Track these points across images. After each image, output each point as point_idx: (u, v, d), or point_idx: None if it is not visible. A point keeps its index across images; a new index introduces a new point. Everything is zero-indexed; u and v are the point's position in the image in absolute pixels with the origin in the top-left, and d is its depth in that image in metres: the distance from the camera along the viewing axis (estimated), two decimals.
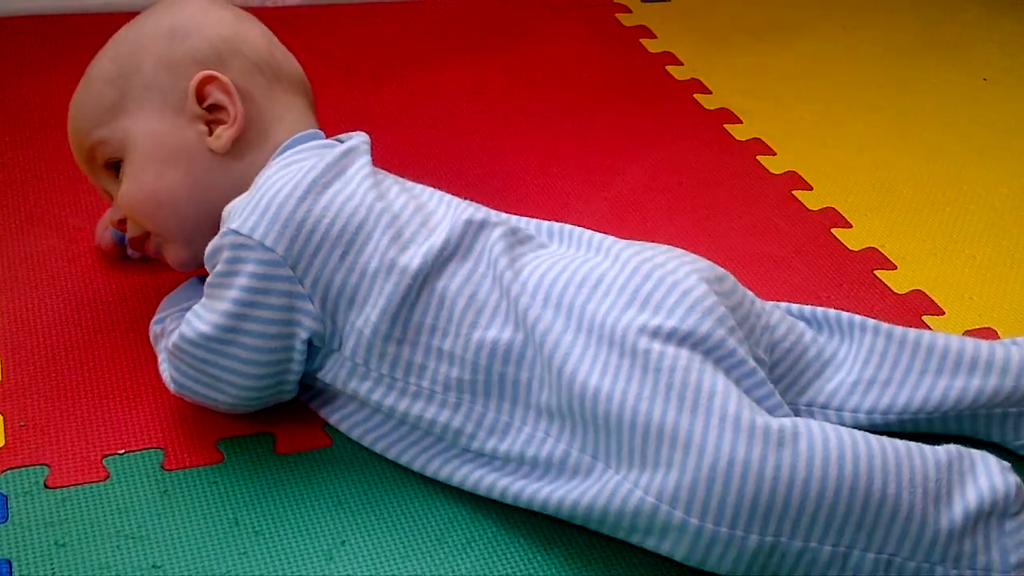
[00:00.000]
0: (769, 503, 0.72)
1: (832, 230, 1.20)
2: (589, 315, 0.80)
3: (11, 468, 0.86)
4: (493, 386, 0.82)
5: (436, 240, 0.85)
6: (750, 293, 0.89)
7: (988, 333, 1.06)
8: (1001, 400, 0.86)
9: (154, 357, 0.95)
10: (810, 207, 1.23)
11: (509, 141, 1.32)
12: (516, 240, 0.87)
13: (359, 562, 0.80)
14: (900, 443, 0.76)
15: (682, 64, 1.51)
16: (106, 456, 0.87)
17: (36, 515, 0.82)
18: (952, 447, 0.78)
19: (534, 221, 0.92)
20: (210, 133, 0.91)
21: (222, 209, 0.87)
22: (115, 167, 0.95)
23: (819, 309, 0.93)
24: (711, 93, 1.45)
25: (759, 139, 1.35)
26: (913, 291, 1.12)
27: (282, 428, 0.91)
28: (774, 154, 1.33)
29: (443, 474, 0.85)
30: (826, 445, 0.73)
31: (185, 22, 0.93)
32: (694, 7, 1.69)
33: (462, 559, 0.81)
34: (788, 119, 1.41)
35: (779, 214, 1.22)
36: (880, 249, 1.17)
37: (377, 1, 1.61)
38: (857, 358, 0.89)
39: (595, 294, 0.81)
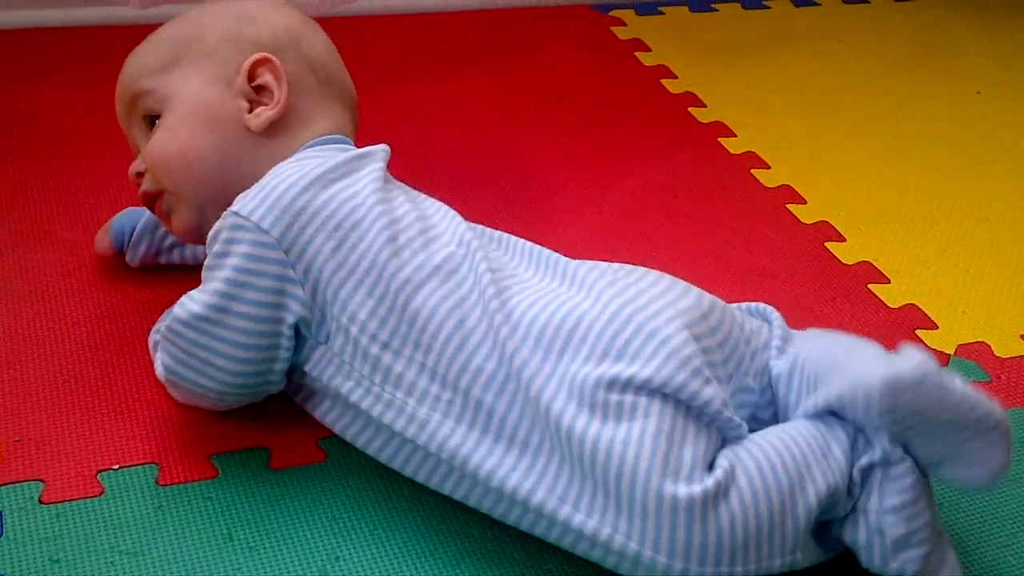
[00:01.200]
0: (713, 551, 0.76)
1: (826, 244, 1.20)
2: (567, 364, 0.80)
3: (6, 484, 0.86)
4: (468, 411, 0.82)
5: (433, 257, 0.85)
6: (738, 317, 0.87)
7: (981, 347, 1.07)
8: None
9: (149, 371, 0.96)
10: (804, 221, 1.24)
11: (503, 154, 1.32)
12: (504, 275, 0.87)
13: None
14: (808, 434, 0.80)
15: (676, 77, 1.52)
16: (101, 471, 0.87)
17: (31, 531, 0.82)
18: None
19: (520, 243, 0.92)
20: (250, 111, 0.94)
21: (237, 187, 0.89)
22: (151, 123, 0.97)
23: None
24: (705, 107, 1.45)
25: (753, 152, 1.36)
26: (906, 305, 1.12)
27: (276, 443, 0.91)
28: (768, 167, 1.33)
29: (421, 478, 0.85)
30: (752, 486, 0.77)
31: (256, 11, 0.98)
32: (688, 20, 1.69)
33: (455, 575, 0.81)
34: (782, 132, 1.41)
35: (773, 228, 1.22)
36: (874, 263, 1.18)
37: (374, 15, 1.61)
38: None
39: (573, 338, 0.81)
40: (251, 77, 0.94)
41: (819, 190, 1.29)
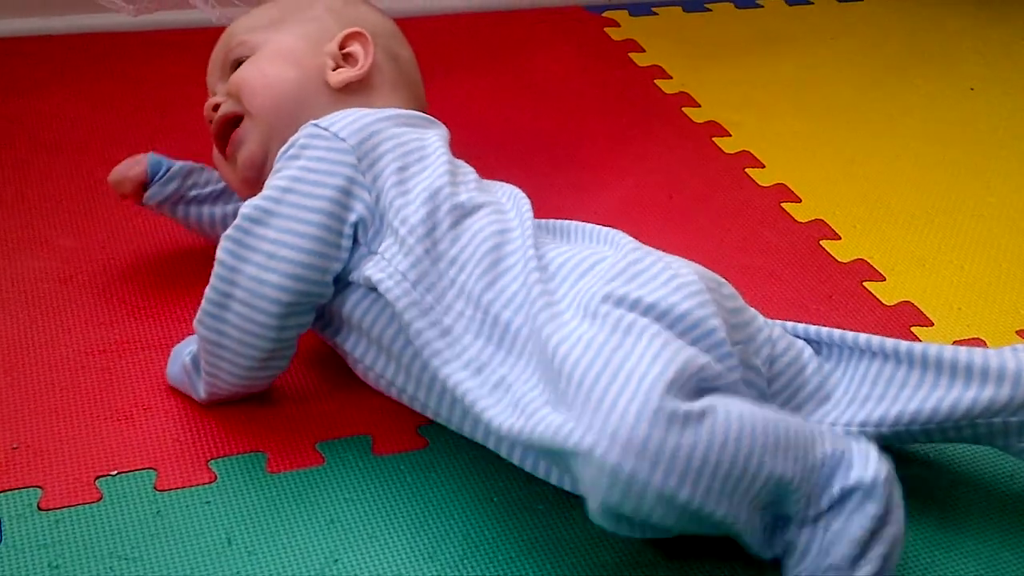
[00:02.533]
0: (667, 461, 0.73)
1: (821, 242, 1.20)
2: (580, 286, 0.84)
3: (4, 491, 0.86)
4: (487, 326, 0.85)
5: (487, 197, 0.92)
6: (752, 308, 0.89)
7: (976, 343, 1.07)
8: (997, 410, 0.85)
9: (147, 377, 0.96)
10: (799, 219, 1.24)
11: (497, 156, 1.32)
12: (545, 240, 0.92)
13: None
14: (798, 426, 0.79)
15: (671, 78, 1.52)
16: (99, 477, 0.87)
17: (30, 537, 0.82)
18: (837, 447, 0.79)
19: (560, 222, 0.97)
20: (334, 70, 1.01)
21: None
22: (238, 67, 1.02)
23: (813, 328, 0.93)
24: (700, 106, 1.45)
25: (748, 152, 1.36)
26: (902, 302, 1.12)
27: (274, 447, 0.91)
28: (763, 167, 1.33)
29: (420, 400, 0.89)
30: (731, 421, 0.75)
31: (363, 5, 1.09)
32: (682, 21, 1.70)
33: None
34: (776, 132, 1.41)
35: (768, 227, 1.23)
36: (869, 261, 1.18)
37: None
38: (854, 377, 0.89)
39: (591, 270, 0.85)
40: (342, 45, 1.02)
41: (814, 188, 1.30)
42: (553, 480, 0.86)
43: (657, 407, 0.73)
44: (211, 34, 1.50)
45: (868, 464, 0.78)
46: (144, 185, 1.08)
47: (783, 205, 1.26)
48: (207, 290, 0.90)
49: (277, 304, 0.89)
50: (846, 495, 0.77)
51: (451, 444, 0.92)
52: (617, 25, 1.66)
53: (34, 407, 0.93)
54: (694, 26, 1.68)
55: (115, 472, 0.88)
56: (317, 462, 0.90)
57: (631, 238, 0.91)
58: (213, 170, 1.08)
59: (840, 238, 1.21)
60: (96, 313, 1.04)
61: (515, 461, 0.87)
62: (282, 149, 0.93)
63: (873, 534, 0.77)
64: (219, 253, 0.90)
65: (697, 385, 0.77)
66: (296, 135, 0.93)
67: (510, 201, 0.93)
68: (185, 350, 0.95)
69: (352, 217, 0.90)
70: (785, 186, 1.30)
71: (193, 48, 1.50)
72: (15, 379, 0.96)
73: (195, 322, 0.91)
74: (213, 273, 0.89)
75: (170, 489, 0.87)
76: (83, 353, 0.99)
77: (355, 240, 0.91)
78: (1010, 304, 1.13)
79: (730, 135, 1.39)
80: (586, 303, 0.82)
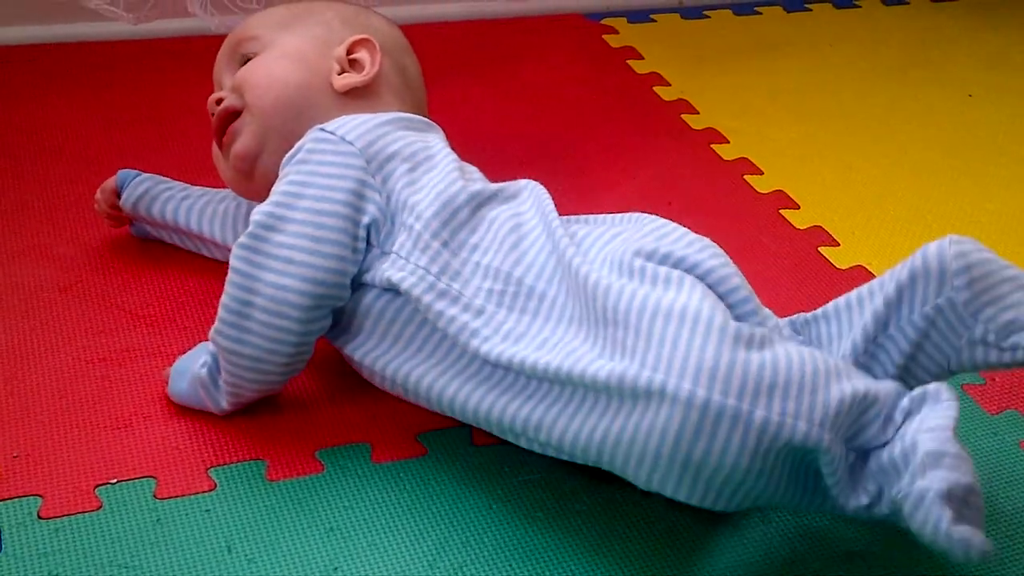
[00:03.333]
0: (764, 385, 0.75)
1: (820, 248, 1.20)
2: (610, 249, 0.86)
3: (4, 499, 0.86)
4: (521, 297, 0.87)
5: (504, 186, 0.95)
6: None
7: None
8: (901, 303, 0.85)
9: (146, 386, 0.96)
10: (797, 226, 1.24)
11: (496, 163, 1.32)
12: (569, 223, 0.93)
13: None
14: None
15: (669, 84, 1.52)
16: (99, 486, 0.87)
17: (30, 546, 0.82)
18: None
19: (575, 216, 0.97)
20: (339, 74, 1.02)
21: (303, 130, 0.95)
22: (246, 63, 1.04)
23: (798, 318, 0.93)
24: (698, 113, 1.46)
25: (746, 159, 1.36)
26: None
27: (273, 455, 0.91)
28: (761, 173, 1.34)
29: (449, 394, 0.87)
30: (787, 352, 0.77)
31: (375, 16, 1.10)
32: (681, 27, 1.70)
33: None
34: (775, 138, 1.41)
35: (767, 233, 1.23)
36: (867, 267, 1.18)
37: None
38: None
39: (617, 237, 0.88)
40: (350, 51, 1.03)
41: (812, 195, 1.30)
42: (579, 456, 0.83)
43: (722, 329, 0.76)
44: (210, 42, 1.50)
45: (926, 386, 0.78)
46: (117, 193, 1.11)
47: (782, 212, 1.27)
48: (224, 300, 0.89)
49: (299, 309, 0.88)
50: (916, 401, 0.77)
51: (450, 452, 0.92)
52: (616, 32, 1.66)
53: (34, 416, 0.93)
54: (692, 33, 1.68)
55: (115, 480, 0.88)
56: (317, 470, 0.90)
57: (652, 215, 0.92)
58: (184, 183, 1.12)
59: (839, 244, 1.21)
60: (96, 321, 1.04)
61: (537, 447, 0.85)
62: (288, 154, 0.93)
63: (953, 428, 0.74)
64: (233, 262, 0.89)
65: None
66: (302, 140, 0.94)
67: (527, 190, 0.95)
68: (194, 366, 0.94)
69: (365, 219, 0.90)
70: (784, 193, 1.30)
71: (192, 56, 1.51)
72: (15, 388, 0.96)
73: (213, 333, 0.90)
74: (228, 282, 0.89)
75: (170, 497, 0.87)
76: (83, 361, 0.99)
77: (367, 242, 0.91)
78: None
79: (728, 142, 1.40)
80: (619, 260, 0.84)
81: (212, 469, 0.89)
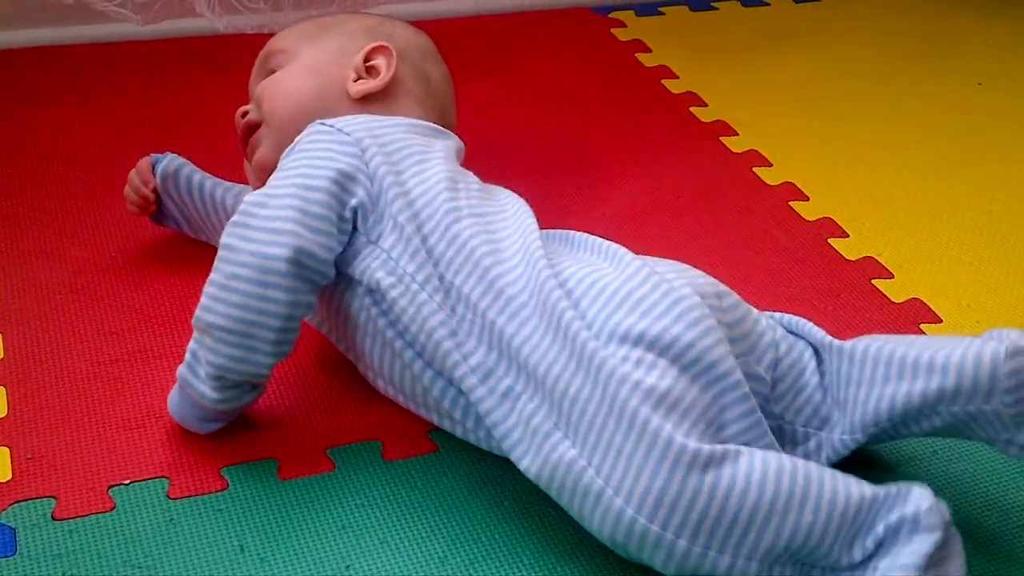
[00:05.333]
0: (696, 519, 0.75)
1: (829, 240, 1.20)
2: (591, 312, 0.84)
3: (19, 501, 0.86)
4: (493, 334, 0.86)
5: (485, 207, 0.93)
6: (754, 311, 0.89)
7: None
8: (949, 399, 0.84)
9: (159, 386, 0.97)
10: (807, 217, 1.24)
11: (506, 157, 1.33)
12: (552, 250, 0.92)
13: None
14: (829, 477, 0.77)
15: (677, 77, 1.52)
16: (112, 487, 0.88)
17: (44, 547, 0.83)
18: (891, 487, 0.78)
19: (560, 232, 0.96)
20: (355, 81, 1.05)
21: None
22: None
23: (806, 326, 0.93)
24: (707, 106, 1.45)
25: (755, 151, 1.36)
26: (911, 300, 1.12)
27: (285, 454, 0.91)
28: (770, 165, 1.33)
29: (447, 367, 0.88)
30: (749, 474, 0.76)
31: (400, 24, 1.13)
32: (689, 20, 1.70)
33: None
34: (784, 130, 1.41)
35: (776, 225, 1.23)
36: (877, 258, 1.18)
37: None
38: (829, 381, 0.90)
39: (600, 296, 0.84)
40: (367, 58, 1.05)
41: (821, 187, 1.30)
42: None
43: (678, 453, 0.76)
44: (219, 42, 1.51)
45: (909, 499, 0.76)
46: (152, 169, 1.13)
47: (791, 204, 1.26)
48: (212, 277, 0.89)
49: (285, 277, 0.88)
50: (891, 531, 0.76)
51: (461, 449, 0.92)
52: (624, 25, 1.66)
53: (47, 418, 0.94)
54: (701, 25, 1.68)
55: (128, 481, 0.88)
56: (328, 468, 0.90)
57: (631, 253, 0.89)
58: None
59: (848, 236, 1.21)
60: (108, 323, 1.05)
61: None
62: (289, 148, 0.96)
63: (927, 567, 0.74)
64: (223, 239, 0.90)
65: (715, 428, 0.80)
66: (302, 134, 0.96)
67: (512, 211, 0.94)
68: (176, 388, 0.93)
69: (352, 201, 0.91)
70: (793, 184, 1.30)
71: (201, 57, 1.51)
72: (28, 390, 0.97)
73: (198, 313, 0.89)
74: (217, 259, 0.89)
75: (183, 497, 0.87)
76: (95, 363, 1.00)
77: (354, 227, 0.92)
78: (1019, 300, 1.13)
79: (737, 134, 1.39)
80: (597, 332, 0.82)
81: (225, 468, 0.90)
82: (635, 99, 1.47)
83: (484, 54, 1.57)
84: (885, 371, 0.86)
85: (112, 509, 0.86)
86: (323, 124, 0.95)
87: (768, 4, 1.75)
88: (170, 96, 1.43)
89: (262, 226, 0.89)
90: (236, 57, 1.50)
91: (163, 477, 0.89)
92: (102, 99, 1.41)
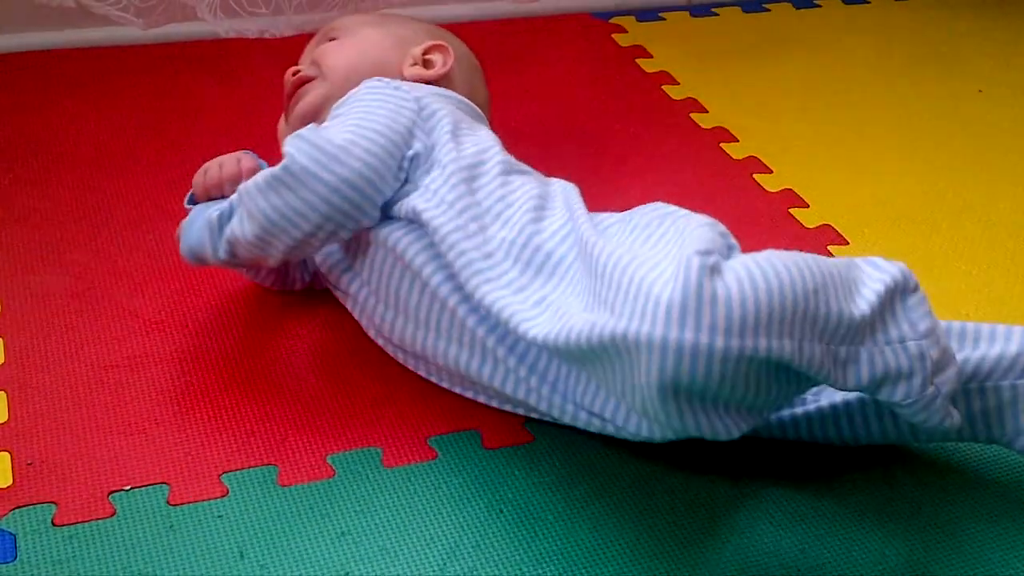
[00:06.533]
0: (739, 314, 0.77)
1: (829, 247, 1.20)
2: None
3: (19, 507, 0.87)
4: (527, 251, 0.91)
5: (538, 175, 1.00)
6: None
7: None
8: (1007, 366, 0.88)
9: (159, 392, 0.97)
10: (807, 225, 1.24)
11: None
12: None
13: None
14: (818, 258, 0.83)
15: (678, 83, 1.52)
16: (112, 492, 0.88)
17: (44, 553, 0.83)
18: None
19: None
20: (411, 66, 1.11)
21: None
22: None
23: None
24: (707, 112, 1.46)
25: (755, 157, 1.36)
26: None
27: (285, 460, 0.92)
28: (771, 172, 1.34)
29: (472, 286, 0.90)
30: (764, 266, 0.79)
31: (455, 37, 1.19)
32: (689, 26, 1.70)
33: None
34: (784, 136, 1.41)
35: (776, 233, 1.23)
36: None
37: None
38: None
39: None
40: (426, 51, 1.11)
41: (822, 194, 1.30)
42: (581, 423, 0.91)
43: (688, 262, 0.77)
44: (220, 46, 1.51)
45: (882, 266, 0.84)
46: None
47: (791, 210, 1.27)
48: (271, 169, 0.94)
49: (334, 193, 0.93)
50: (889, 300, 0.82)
51: (460, 456, 0.93)
52: (624, 31, 1.66)
53: (48, 423, 0.94)
54: (701, 31, 1.68)
55: (128, 487, 0.89)
56: (328, 475, 0.91)
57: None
58: None
59: (849, 243, 1.21)
60: (109, 328, 1.05)
61: (544, 406, 0.91)
62: (341, 100, 1.01)
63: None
64: (289, 143, 0.94)
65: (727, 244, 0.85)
66: (356, 88, 1.01)
67: (558, 183, 1.00)
68: (208, 211, 0.98)
69: (410, 151, 0.97)
70: (793, 191, 1.30)
71: (202, 61, 1.51)
72: (29, 395, 0.97)
73: (249, 184, 0.94)
74: (284, 159, 0.93)
75: (183, 503, 0.87)
76: (96, 368, 1.00)
77: (406, 179, 0.97)
78: (1019, 309, 1.13)
79: (738, 140, 1.40)
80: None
81: (224, 475, 0.90)
82: (636, 105, 1.47)
83: (485, 60, 1.56)
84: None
85: (112, 515, 0.86)
86: (379, 80, 1.01)
87: (769, 10, 1.75)
88: (172, 100, 1.43)
89: (328, 141, 0.93)
90: (238, 61, 1.51)
91: (163, 483, 0.89)
92: (104, 103, 1.42)
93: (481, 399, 0.97)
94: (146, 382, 0.99)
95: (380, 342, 1.01)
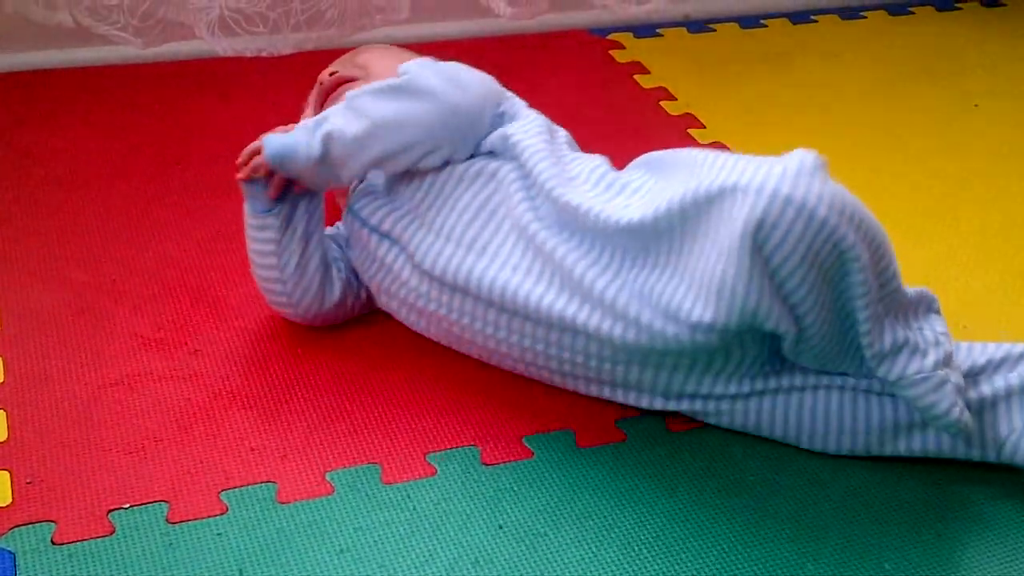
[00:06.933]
0: (841, 200, 0.90)
1: None
2: None
3: (18, 525, 0.87)
4: (610, 181, 1.00)
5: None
6: None
7: None
8: None
9: (158, 410, 0.97)
10: None
11: None
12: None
13: None
14: None
15: (676, 99, 1.53)
16: (111, 511, 0.88)
17: (44, 572, 0.83)
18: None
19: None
20: None
21: None
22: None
23: None
24: (705, 127, 1.46)
25: None
26: None
27: (283, 478, 0.92)
28: None
29: (555, 195, 0.99)
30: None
31: None
32: (687, 41, 1.70)
33: None
34: (781, 150, 1.41)
35: None
36: None
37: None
38: None
39: None
40: None
41: None
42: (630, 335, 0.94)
43: (806, 154, 0.90)
44: (218, 65, 1.52)
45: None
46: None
47: None
48: (392, 79, 1.04)
49: (454, 116, 1.03)
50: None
51: (459, 473, 0.93)
52: (622, 47, 1.67)
53: (48, 441, 0.94)
54: (699, 47, 1.69)
55: (128, 505, 0.89)
56: (327, 492, 0.91)
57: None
58: None
59: None
60: (108, 347, 1.05)
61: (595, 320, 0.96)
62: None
63: None
64: (412, 67, 1.06)
65: None
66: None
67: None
68: (307, 122, 1.03)
69: (499, 109, 1.08)
70: None
71: (201, 79, 1.52)
72: (29, 413, 0.97)
73: (367, 89, 1.03)
74: (407, 79, 1.04)
75: (182, 521, 0.88)
76: (96, 387, 1.00)
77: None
78: (1017, 321, 1.14)
79: None
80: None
81: (224, 492, 0.90)
82: (634, 120, 1.48)
83: None
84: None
85: (112, 533, 0.86)
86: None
87: (766, 26, 1.76)
88: (170, 118, 1.43)
89: (458, 72, 1.05)
90: (235, 79, 1.51)
91: (163, 501, 0.89)
92: (103, 122, 1.42)
93: (507, 364, 1.01)
94: (145, 401, 0.99)
95: (424, 296, 1.03)
